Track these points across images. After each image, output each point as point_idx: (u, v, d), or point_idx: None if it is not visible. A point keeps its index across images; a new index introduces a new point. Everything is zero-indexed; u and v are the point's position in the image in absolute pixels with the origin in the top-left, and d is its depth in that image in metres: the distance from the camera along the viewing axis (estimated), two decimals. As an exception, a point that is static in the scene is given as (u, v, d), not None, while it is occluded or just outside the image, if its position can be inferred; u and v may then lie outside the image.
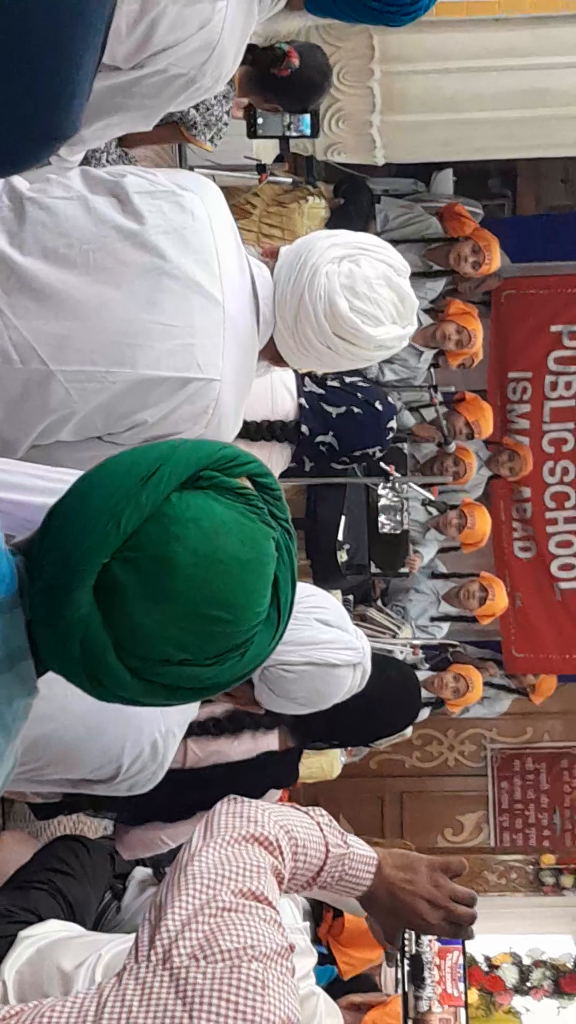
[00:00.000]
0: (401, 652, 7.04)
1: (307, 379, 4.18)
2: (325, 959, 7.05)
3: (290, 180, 6.42)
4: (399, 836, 9.64)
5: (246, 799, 1.82)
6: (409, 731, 6.85)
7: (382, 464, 5.54)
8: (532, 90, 6.74)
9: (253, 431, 3.90)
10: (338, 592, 5.77)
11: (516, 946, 9.91)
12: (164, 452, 1.50)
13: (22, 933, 2.47)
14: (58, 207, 2.41)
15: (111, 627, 1.45)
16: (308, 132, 4.91)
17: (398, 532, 6.74)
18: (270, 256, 2.67)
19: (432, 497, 6.97)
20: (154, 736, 2.41)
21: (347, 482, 5.76)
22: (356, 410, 4.24)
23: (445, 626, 8.35)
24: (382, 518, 6.63)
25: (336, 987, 6.84)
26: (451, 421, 7.54)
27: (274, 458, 4.01)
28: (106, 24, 1.80)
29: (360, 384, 4.36)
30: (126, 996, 1.42)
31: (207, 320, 2.44)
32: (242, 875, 1.60)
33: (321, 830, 1.92)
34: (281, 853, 1.76)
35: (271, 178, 6.19)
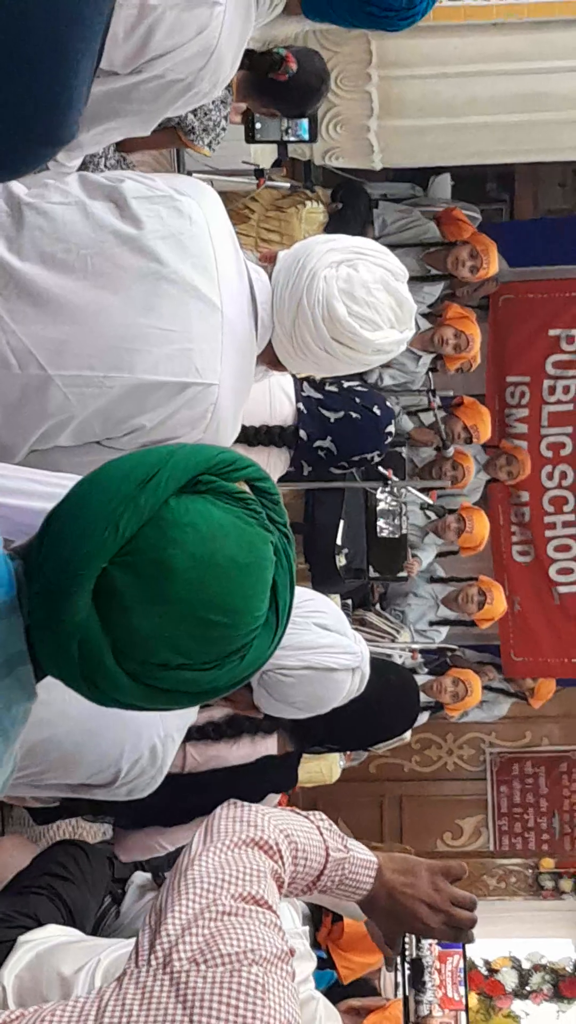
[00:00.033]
0: (400, 656, 7.04)
1: (305, 384, 4.18)
2: (324, 963, 7.05)
3: (288, 185, 6.43)
4: (398, 840, 9.64)
5: (246, 803, 1.82)
6: (408, 735, 6.83)
7: (380, 468, 5.54)
8: (529, 94, 6.75)
9: (251, 436, 3.90)
10: (336, 596, 5.76)
11: (515, 950, 9.91)
12: (162, 457, 1.51)
13: (21, 938, 2.47)
14: (56, 212, 2.41)
15: (109, 631, 1.45)
16: (306, 137, 4.91)
17: (397, 536, 6.73)
18: (268, 261, 2.67)
19: (431, 501, 6.97)
20: (153, 741, 2.41)
21: (345, 486, 5.75)
22: (354, 415, 4.24)
23: (444, 630, 8.35)
24: (381, 522, 6.63)
25: (335, 991, 6.84)
26: (449, 425, 7.54)
27: (272, 463, 4.01)
28: (104, 29, 1.80)
29: (358, 389, 4.36)
30: (126, 1000, 1.42)
31: (205, 325, 2.44)
32: (242, 879, 1.60)
33: (321, 834, 1.92)
34: (281, 857, 1.76)
35: (269, 183, 6.19)
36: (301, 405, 4.10)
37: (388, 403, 4.50)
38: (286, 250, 2.67)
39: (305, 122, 4.82)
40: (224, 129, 4.40)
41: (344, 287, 2.54)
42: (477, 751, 10.25)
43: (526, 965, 9.82)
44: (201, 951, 1.46)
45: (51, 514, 1.52)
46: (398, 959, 6.96)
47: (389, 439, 4.42)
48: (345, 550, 6.02)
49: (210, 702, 2.26)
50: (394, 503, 6.60)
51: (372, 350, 2.59)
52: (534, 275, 9.39)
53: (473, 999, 8.96)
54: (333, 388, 4.24)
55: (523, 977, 9.75)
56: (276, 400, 4.02)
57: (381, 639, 7.14)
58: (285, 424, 4.04)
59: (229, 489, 1.51)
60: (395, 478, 5.97)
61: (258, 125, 4.80)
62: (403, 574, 7.07)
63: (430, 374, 7.49)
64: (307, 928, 4.48)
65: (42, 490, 1.84)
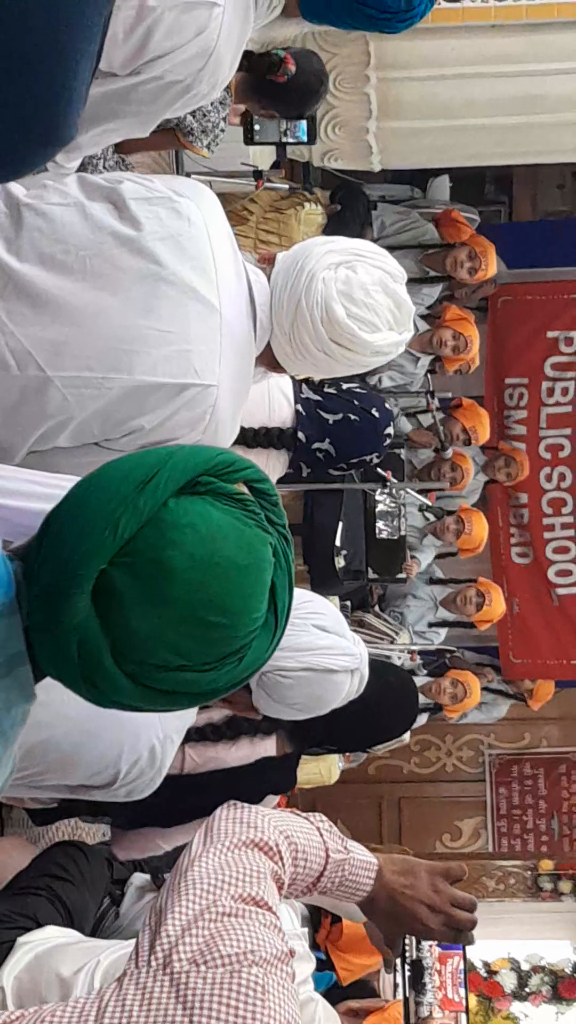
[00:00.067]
0: (399, 658, 7.04)
1: (304, 385, 4.18)
2: (323, 965, 7.04)
3: (287, 186, 6.43)
4: (397, 842, 9.63)
5: (246, 805, 1.82)
6: (407, 737, 6.84)
7: (379, 470, 5.54)
8: (527, 96, 6.75)
9: (250, 438, 3.90)
10: (335, 598, 5.76)
11: (514, 952, 9.90)
12: (161, 458, 1.51)
13: (21, 939, 2.47)
14: (55, 213, 2.41)
15: (108, 632, 1.45)
16: (305, 139, 4.91)
17: (395, 537, 6.73)
18: (267, 262, 2.67)
19: (429, 503, 6.97)
20: (152, 742, 2.41)
21: (344, 488, 5.76)
22: (353, 417, 4.24)
23: (443, 631, 8.35)
24: (379, 524, 6.63)
25: (334, 993, 6.83)
26: (448, 427, 7.55)
27: (271, 465, 4.01)
28: (103, 30, 1.81)
29: (357, 391, 4.36)
30: (126, 1001, 1.42)
31: (204, 326, 2.45)
32: (242, 880, 1.60)
33: (321, 835, 1.92)
34: (281, 858, 1.76)
35: (268, 184, 6.19)
36: (300, 407, 4.11)
37: (387, 405, 4.50)
38: (285, 252, 2.67)
39: (304, 124, 4.82)
40: (223, 130, 4.41)
41: (343, 289, 2.55)
42: (476, 753, 10.25)
43: (525, 967, 9.82)
44: (201, 952, 1.46)
45: (50, 515, 1.51)
46: (398, 961, 6.96)
47: (388, 441, 4.42)
48: (344, 551, 6.02)
49: (209, 703, 2.27)
50: (393, 505, 6.60)
51: (371, 352, 2.60)
52: (533, 277, 9.40)
53: (472, 1001, 8.95)
54: (332, 390, 4.25)
55: (522, 979, 9.75)
56: (275, 402, 4.02)
57: (380, 640, 7.14)
58: (284, 426, 4.04)
59: (228, 490, 1.51)
60: (394, 480, 5.97)
61: (257, 127, 4.80)
62: (402, 576, 7.08)
63: (429, 376, 7.49)
64: (306, 929, 4.48)
65: (41, 491, 1.84)
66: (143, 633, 1.44)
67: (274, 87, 4.29)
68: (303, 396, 4.14)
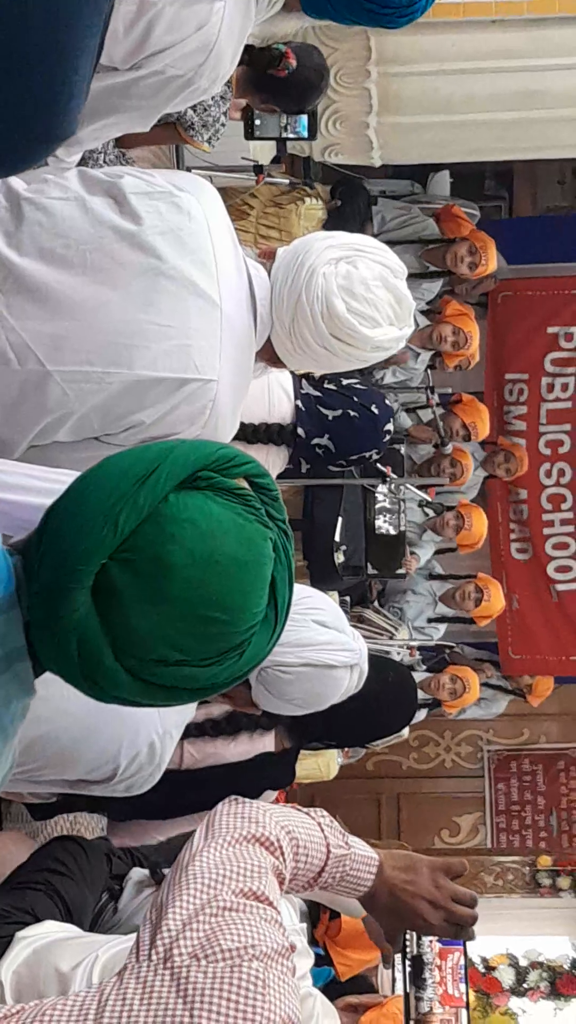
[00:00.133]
0: (398, 653, 7.04)
1: (304, 381, 4.18)
2: (322, 960, 7.05)
3: (287, 181, 6.43)
4: (396, 837, 9.64)
5: (248, 800, 1.82)
6: (406, 732, 6.84)
7: (379, 465, 5.54)
8: (528, 92, 6.75)
9: (250, 434, 3.90)
10: (335, 593, 5.76)
11: (513, 947, 9.91)
12: (161, 453, 1.50)
13: (19, 934, 2.47)
14: (55, 208, 2.40)
15: (108, 628, 1.45)
16: (305, 134, 4.91)
17: (395, 533, 6.74)
18: (267, 257, 2.67)
19: (429, 498, 6.98)
20: (151, 737, 2.41)
21: (344, 483, 5.76)
22: (352, 413, 4.24)
23: (442, 627, 8.36)
24: (379, 519, 6.64)
25: (333, 988, 6.84)
26: (448, 423, 7.55)
27: (271, 461, 4.01)
28: (103, 26, 1.80)
29: (357, 387, 4.36)
30: (127, 995, 1.42)
31: (204, 321, 2.44)
32: (243, 875, 1.61)
33: (322, 831, 1.92)
34: (282, 854, 1.76)
35: (268, 179, 6.20)
36: (300, 402, 4.10)
37: (387, 401, 4.50)
38: (285, 247, 2.67)
39: (304, 118, 4.82)
40: (223, 125, 4.40)
41: (343, 284, 2.54)
42: (475, 748, 10.25)
43: (523, 962, 9.82)
44: (202, 946, 1.46)
45: (50, 510, 1.51)
46: (398, 956, 6.96)
47: (387, 438, 4.42)
48: (344, 547, 6.02)
49: (208, 699, 2.27)
50: (393, 500, 6.60)
51: (371, 347, 2.59)
52: (533, 272, 9.39)
53: (470, 996, 8.96)
54: (332, 386, 4.25)
55: (520, 975, 9.75)
56: (275, 397, 4.02)
57: (379, 636, 7.15)
58: (284, 422, 4.04)
59: (228, 485, 1.50)
60: (394, 475, 5.97)
61: (257, 122, 4.80)
62: (401, 571, 7.08)
63: (429, 371, 7.49)
64: (304, 925, 4.48)
65: (41, 486, 1.84)
66: (143, 630, 1.44)
67: (275, 82, 4.29)
68: (303, 392, 4.14)
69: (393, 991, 7.33)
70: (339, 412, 4.20)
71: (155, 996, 1.41)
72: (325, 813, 1.97)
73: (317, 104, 4.76)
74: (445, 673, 7.88)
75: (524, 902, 9.87)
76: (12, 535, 1.61)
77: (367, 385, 4.58)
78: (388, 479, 5.86)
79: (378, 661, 2.86)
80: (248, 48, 3.53)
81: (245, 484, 1.53)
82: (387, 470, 5.74)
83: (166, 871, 1.66)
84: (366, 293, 2.55)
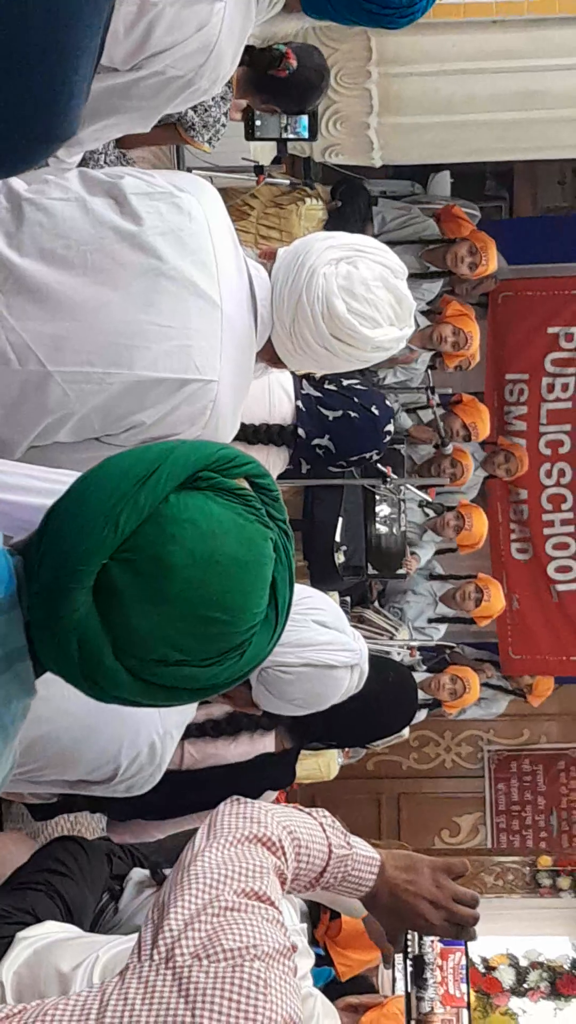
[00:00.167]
0: (398, 653, 7.04)
1: (304, 381, 4.18)
2: (322, 961, 7.06)
3: (288, 182, 6.43)
4: (396, 838, 9.64)
5: (250, 800, 1.83)
6: (406, 732, 6.85)
7: (379, 466, 5.54)
8: (528, 92, 6.75)
9: (251, 434, 3.90)
10: (335, 594, 5.76)
11: (513, 948, 9.91)
12: (162, 453, 1.51)
13: (20, 934, 2.47)
14: (56, 208, 2.40)
15: (109, 628, 1.45)
16: (306, 134, 4.91)
17: (395, 534, 6.74)
18: (268, 258, 2.67)
19: (429, 499, 6.98)
20: (152, 737, 2.41)
21: (344, 484, 5.76)
22: (353, 414, 4.23)
23: (442, 627, 8.36)
24: (379, 520, 6.64)
25: (333, 988, 6.84)
26: (448, 423, 7.55)
27: (271, 461, 4.01)
28: (104, 26, 1.80)
29: (357, 387, 4.35)
30: (129, 994, 1.42)
31: (204, 321, 2.44)
32: (245, 875, 1.61)
33: (324, 831, 1.93)
34: (284, 854, 1.76)
35: (269, 180, 6.20)
36: (300, 403, 4.10)
37: (387, 402, 4.50)
38: (286, 247, 2.67)
39: (305, 119, 4.82)
40: (224, 126, 4.40)
41: (344, 284, 2.54)
42: (475, 748, 10.26)
43: (523, 963, 9.82)
44: (204, 946, 1.46)
45: (50, 511, 1.51)
46: (400, 956, 6.96)
47: (388, 438, 4.42)
48: (344, 547, 6.02)
49: (209, 699, 2.27)
50: (393, 501, 6.61)
51: (371, 347, 2.59)
52: (533, 273, 9.40)
53: (471, 997, 8.97)
54: (332, 387, 4.24)
55: (520, 975, 9.76)
56: (276, 398, 4.01)
57: (379, 636, 7.15)
58: (284, 423, 4.04)
59: (229, 485, 1.50)
60: (394, 475, 5.97)
61: (258, 122, 4.80)
62: (402, 571, 7.08)
63: (429, 371, 7.49)
64: (305, 925, 4.48)
65: (41, 486, 1.84)
66: (143, 630, 1.44)
67: (275, 82, 4.29)
68: (304, 392, 4.14)
69: (393, 991, 7.33)
70: (339, 413, 4.20)
71: (157, 996, 1.42)
72: (327, 813, 1.98)
73: (318, 105, 4.76)
74: (445, 673, 7.88)
75: (524, 902, 9.87)
76: (13, 536, 1.61)
77: (367, 386, 4.58)
78: (388, 479, 5.86)
79: (378, 661, 2.86)
80: (249, 49, 3.53)
81: (246, 484, 1.53)
82: (387, 470, 5.74)
83: (167, 871, 1.66)
84: (366, 293, 2.55)
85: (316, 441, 4.16)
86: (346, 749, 6.76)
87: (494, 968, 9.76)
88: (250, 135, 4.88)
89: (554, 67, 6.66)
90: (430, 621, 8.27)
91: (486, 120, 6.87)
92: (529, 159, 8.43)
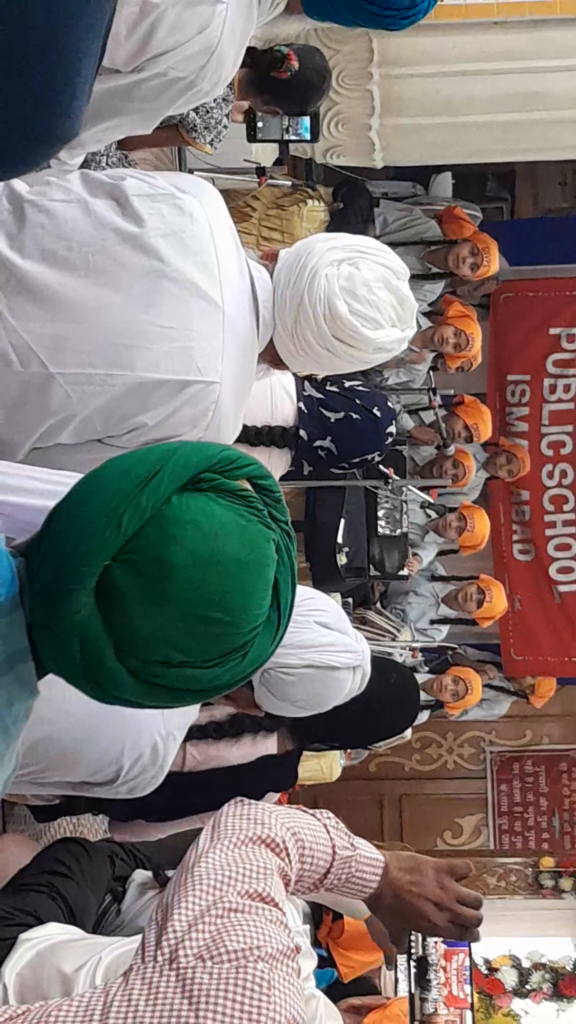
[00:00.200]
0: (400, 655, 7.04)
1: (306, 383, 4.18)
2: (325, 962, 7.06)
3: (289, 183, 6.43)
4: (398, 839, 9.64)
5: (253, 801, 1.83)
6: (408, 734, 6.84)
7: (381, 467, 5.54)
8: (529, 93, 6.75)
9: (253, 436, 3.90)
10: (337, 595, 5.76)
11: (515, 949, 9.92)
12: (164, 454, 1.51)
13: (22, 936, 2.47)
14: (58, 210, 2.41)
15: (111, 629, 1.45)
16: (307, 136, 4.90)
17: (397, 534, 6.74)
18: (269, 259, 2.67)
19: (431, 500, 6.97)
20: (154, 739, 2.41)
21: (346, 485, 5.76)
22: (355, 416, 4.23)
23: (444, 629, 8.36)
24: (381, 520, 6.64)
25: (335, 990, 6.85)
26: (450, 424, 7.55)
27: (273, 463, 4.01)
28: (106, 28, 1.80)
29: (359, 389, 4.35)
30: (132, 995, 1.42)
31: (206, 323, 2.44)
32: (249, 877, 1.61)
33: (328, 832, 1.93)
34: (288, 855, 1.76)
35: (270, 181, 6.19)
36: (302, 404, 4.10)
37: (389, 403, 4.50)
38: (287, 248, 2.67)
39: (306, 120, 4.82)
40: (226, 127, 4.41)
41: (345, 285, 2.54)
42: (477, 750, 10.26)
43: (526, 964, 9.83)
44: (207, 947, 1.46)
45: (52, 512, 1.51)
46: (403, 957, 6.97)
47: (390, 440, 4.41)
48: (346, 548, 6.02)
49: (212, 701, 2.27)
50: (395, 502, 6.61)
51: (373, 348, 2.59)
52: (534, 274, 9.40)
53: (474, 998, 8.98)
54: (334, 388, 4.24)
55: (523, 976, 9.76)
56: (278, 399, 4.01)
57: (382, 638, 7.14)
58: (287, 424, 4.04)
59: (231, 487, 1.50)
60: (396, 477, 5.97)
61: (260, 124, 4.79)
62: (404, 573, 7.08)
63: (431, 372, 7.49)
64: (307, 926, 4.48)
65: (43, 488, 1.84)
66: (145, 631, 1.44)
67: (277, 83, 4.29)
68: (305, 393, 4.14)
69: (396, 993, 7.34)
70: (341, 414, 4.20)
71: (160, 997, 1.42)
72: (331, 815, 1.97)
73: (319, 106, 4.75)
74: (447, 674, 7.87)
75: (527, 903, 9.88)
76: (15, 537, 1.61)
77: (369, 387, 4.58)
78: (390, 481, 5.86)
79: (380, 663, 2.86)
80: (250, 50, 3.53)
81: (247, 486, 1.53)
82: (389, 472, 5.74)
83: (169, 873, 1.66)
84: (368, 295, 2.55)
85: (318, 443, 4.16)
86: (348, 750, 6.76)
87: (496, 969, 9.77)
88: (252, 137, 4.88)
89: (555, 68, 6.67)
90: (432, 622, 8.27)
91: (487, 121, 6.87)
92: (530, 160, 8.43)
